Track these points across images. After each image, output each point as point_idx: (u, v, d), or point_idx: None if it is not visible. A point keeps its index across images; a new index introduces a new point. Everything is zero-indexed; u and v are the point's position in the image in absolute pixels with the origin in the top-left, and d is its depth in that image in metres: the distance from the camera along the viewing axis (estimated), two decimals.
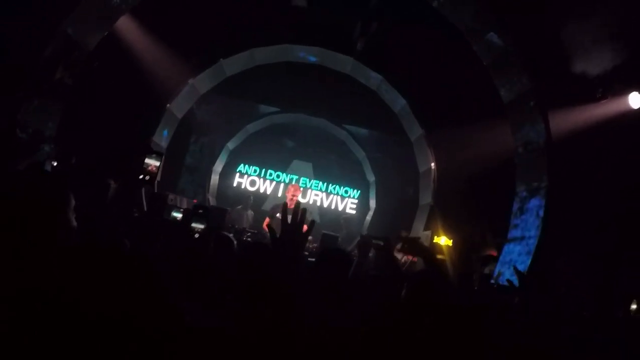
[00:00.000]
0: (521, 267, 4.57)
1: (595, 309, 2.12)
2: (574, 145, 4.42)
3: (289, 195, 5.65)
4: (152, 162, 1.87)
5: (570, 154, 4.46)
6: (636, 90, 4.09)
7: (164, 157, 1.83)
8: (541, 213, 4.51)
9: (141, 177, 1.86)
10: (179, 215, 2.20)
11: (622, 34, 4.07)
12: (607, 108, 4.26)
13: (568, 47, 4.28)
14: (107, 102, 5.22)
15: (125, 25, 5.38)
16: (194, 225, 1.67)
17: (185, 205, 5.44)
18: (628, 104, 4.18)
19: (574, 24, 4.25)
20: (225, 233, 2.33)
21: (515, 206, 5.06)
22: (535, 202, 4.68)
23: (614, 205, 4.22)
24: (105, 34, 5.05)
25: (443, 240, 5.37)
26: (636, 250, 3.79)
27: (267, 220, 5.74)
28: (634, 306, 2.05)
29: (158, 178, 5.88)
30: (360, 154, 8.68)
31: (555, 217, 4.38)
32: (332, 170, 8.99)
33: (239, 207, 7.50)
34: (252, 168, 8.82)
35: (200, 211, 1.72)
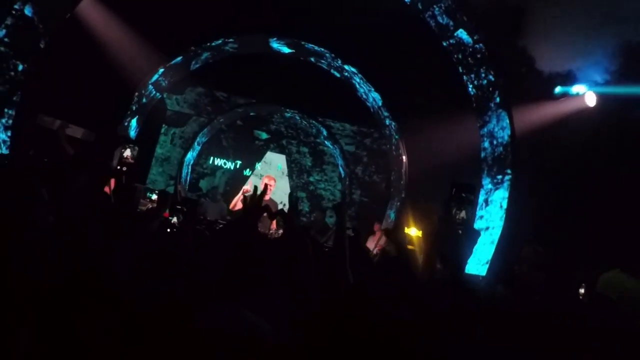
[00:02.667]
0: (485, 257, 4.79)
1: (546, 295, 2.27)
2: (536, 140, 4.65)
3: (262, 186, 5.71)
4: (128, 153, 1.82)
5: (532, 148, 4.69)
6: (591, 90, 4.34)
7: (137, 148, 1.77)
8: (504, 204, 4.73)
9: (119, 167, 1.80)
10: (154, 197, 2.13)
11: (579, 36, 4.29)
12: (566, 105, 4.50)
13: (531, 46, 4.47)
14: (70, 89, 5.00)
15: (90, 8, 5.15)
16: (172, 219, 1.64)
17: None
18: (584, 102, 4.44)
19: (538, 25, 4.44)
20: (200, 228, 2.30)
21: (482, 198, 5.28)
22: (499, 194, 4.90)
23: (572, 197, 4.48)
24: (68, 16, 4.82)
25: (413, 232, 5.54)
26: (590, 238, 4.05)
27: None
28: (582, 290, 2.20)
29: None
30: (334, 146, 8.76)
31: (516, 208, 4.60)
32: (305, 163, 9.02)
33: (205, 200, 7.37)
34: (223, 160, 8.72)
35: (179, 207, 1.68)
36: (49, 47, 4.75)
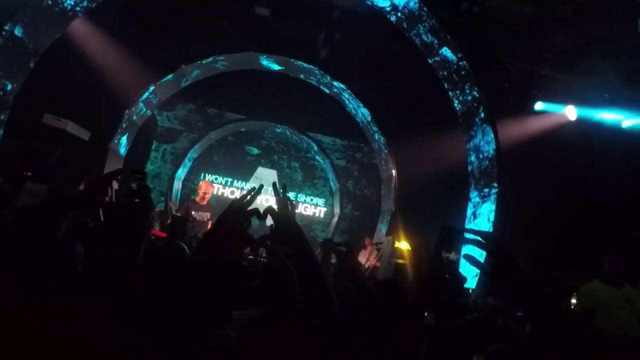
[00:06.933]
0: (475, 270, 4.82)
1: (532, 307, 2.30)
2: (520, 153, 4.76)
3: (200, 193, 5.02)
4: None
5: (517, 161, 4.79)
6: (572, 104, 4.48)
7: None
8: (492, 217, 4.80)
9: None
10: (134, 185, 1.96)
11: (559, 54, 4.45)
12: (548, 119, 4.64)
13: (512, 63, 4.62)
14: (60, 108, 5.02)
15: (81, 28, 5.21)
16: (132, 184, 1.51)
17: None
18: (565, 116, 4.58)
19: (519, 43, 4.60)
20: (179, 242, 2.26)
21: (470, 211, 5.35)
22: (486, 207, 4.97)
23: (557, 207, 4.56)
24: (58, 36, 4.87)
25: (404, 245, 5.56)
26: (574, 249, 4.11)
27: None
28: (574, 300, 2.22)
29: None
30: (325, 161, 8.81)
31: (503, 220, 4.67)
32: (296, 178, 9.06)
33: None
34: (214, 176, 8.72)
35: (139, 175, 1.54)
36: (39, 67, 4.77)
